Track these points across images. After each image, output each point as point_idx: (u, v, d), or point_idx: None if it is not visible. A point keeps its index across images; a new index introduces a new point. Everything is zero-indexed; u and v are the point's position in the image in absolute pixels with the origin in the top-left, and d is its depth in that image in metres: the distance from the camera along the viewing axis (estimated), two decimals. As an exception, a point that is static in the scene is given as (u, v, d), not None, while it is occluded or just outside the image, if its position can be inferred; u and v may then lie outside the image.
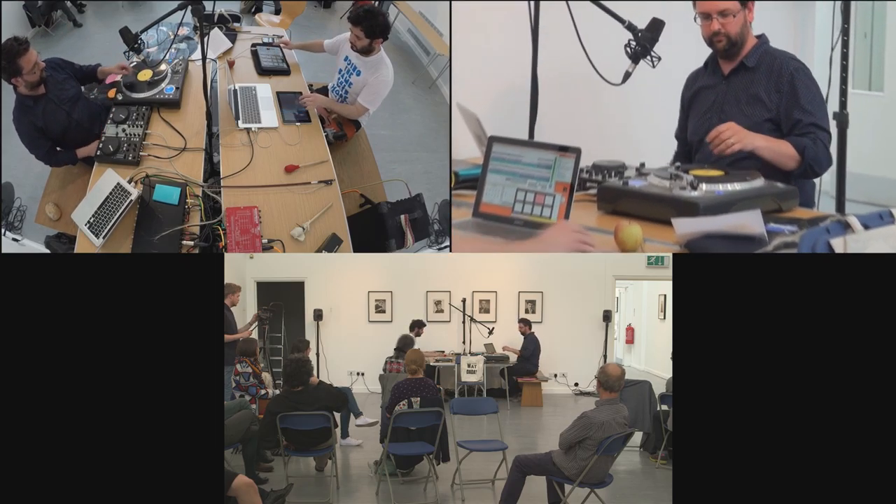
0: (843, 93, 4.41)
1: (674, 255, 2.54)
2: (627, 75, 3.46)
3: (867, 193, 5.42)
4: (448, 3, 3.73)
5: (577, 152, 2.87)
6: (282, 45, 4.40)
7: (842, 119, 4.38)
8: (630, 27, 3.42)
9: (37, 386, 2.49)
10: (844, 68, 4.40)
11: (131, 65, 3.93)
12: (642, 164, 3.25)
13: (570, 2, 3.47)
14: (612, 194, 3.02)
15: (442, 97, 4.44)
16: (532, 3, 3.52)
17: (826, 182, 4.69)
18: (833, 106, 4.35)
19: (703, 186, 2.82)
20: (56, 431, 2.48)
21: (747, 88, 3.37)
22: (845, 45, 4.40)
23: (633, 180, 3.03)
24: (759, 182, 2.94)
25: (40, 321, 2.51)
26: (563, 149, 2.90)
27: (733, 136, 3.10)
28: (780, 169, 3.20)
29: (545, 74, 3.70)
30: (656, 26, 3.41)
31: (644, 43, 3.40)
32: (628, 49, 3.43)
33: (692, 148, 3.58)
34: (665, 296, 10.72)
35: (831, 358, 2.47)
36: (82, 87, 3.80)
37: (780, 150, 3.20)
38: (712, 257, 2.51)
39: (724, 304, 2.51)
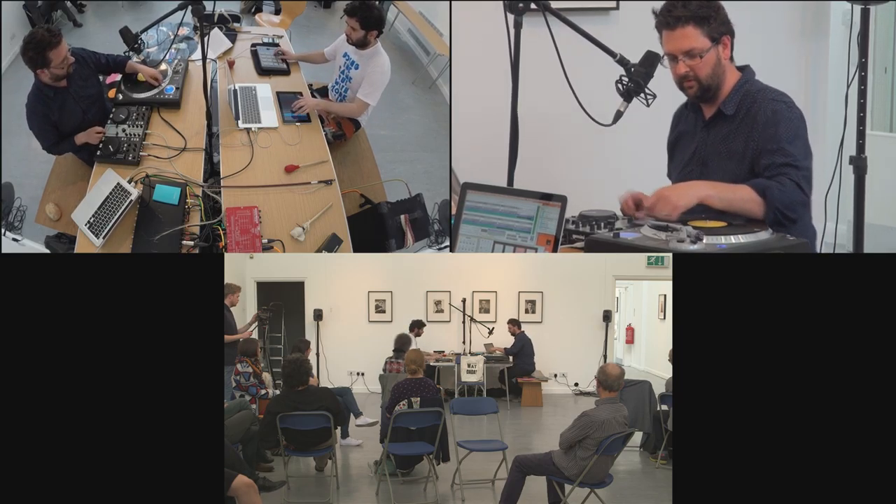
0: (861, 135, 4.05)
1: (674, 254, 2.54)
2: (619, 115, 3.05)
3: (889, 247, 4.88)
4: (448, 2, 3.72)
5: (562, 201, 2.63)
6: (282, 55, 4.40)
7: (859, 164, 4.02)
8: (622, 61, 3.03)
9: (37, 386, 2.49)
10: (862, 107, 4.06)
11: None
12: None
13: (553, 33, 3.09)
14: (601, 247, 2.64)
15: (442, 97, 4.44)
16: (511, 34, 3.15)
17: (842, 235, 4.36)
18: (850, 150, 4.07)
19: (705, 239, 2.50)
20: (56, 432, 2.48)
21: (726, 140, 2.94)
22: (863, 81, 4.06)
23: (625, 232, 2.68)
24: (765, 234, 2.60)
25: (40, 321, 2.51)
26: (546, 197, 2.65)
27: (664, 206, 2.69)
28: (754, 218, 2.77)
29: (526, 114, 3.27)
30: (651, 60, 2.99)
31: (637, 79, 2.99)
32: (620, 86, 3.02)
33: None
34: (665, 296, 10.72)
35: (832, 358, 2.47)
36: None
37: (737, 196, 2.75)
38: (712, 257, 2.51)
39: (724, 304, 2.51)
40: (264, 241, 3.28)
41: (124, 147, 3.54)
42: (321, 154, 3.74)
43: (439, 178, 3.73)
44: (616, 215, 2.96)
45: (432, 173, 3.92)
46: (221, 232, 3.26)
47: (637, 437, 5.86)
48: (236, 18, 4.76)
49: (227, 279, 5.80)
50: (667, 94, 3.13)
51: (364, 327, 9.17)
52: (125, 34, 3.81)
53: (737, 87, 2.94)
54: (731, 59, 2.97)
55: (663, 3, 2.95)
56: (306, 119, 3.94)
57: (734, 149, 2.92)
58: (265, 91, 4.09)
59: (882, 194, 4.76)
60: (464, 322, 8.85)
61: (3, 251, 3.41)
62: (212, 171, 3.65)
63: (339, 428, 5.24)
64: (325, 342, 9.05)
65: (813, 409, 2.46)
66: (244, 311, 8.18)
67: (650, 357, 11.84)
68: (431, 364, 8.16)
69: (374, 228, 3.72)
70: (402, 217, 3.73)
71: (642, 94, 3.03)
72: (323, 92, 4.31)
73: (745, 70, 2.98)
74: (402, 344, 7.25)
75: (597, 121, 3.10)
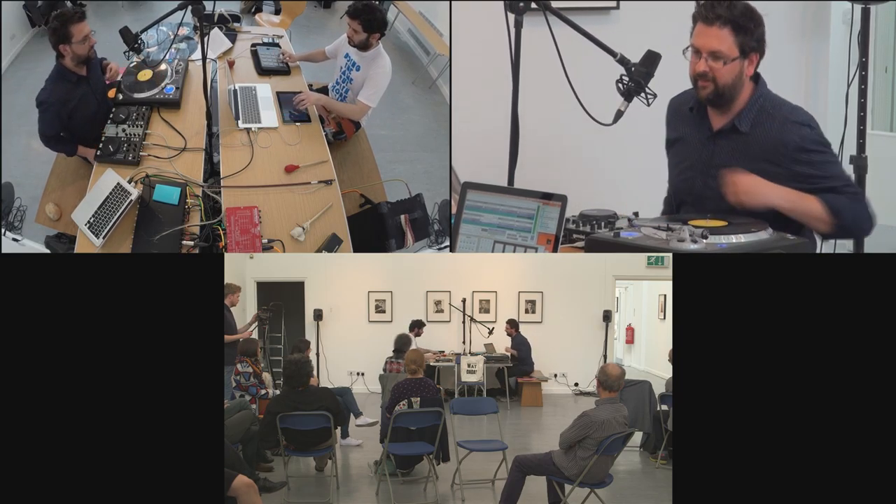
0: (862, 134, 4.06)
1: (674, 254, 2.54)
2: (619, 114, 3.03)
3: (889, 247, 4.89)
4: (448, 2, 3.72)
5: (562, 200, 2.66)
6: (286, 58, 4.40)
7: (860, 164, 4.02)
8: (622, 60, 3.02)
9: (37, 386, 2.49)
10: (863, 107, 4.06)
11: (131, 65, 3.92)
12: (635, 214, 2.87)
13: (554, 33, 3.09)
14: (601, 247, 2.65)
15: (442, 97, 4.44)
16: (512, 33, 3.15)
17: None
18: (850, 149, 4.06)
19: (706, 239, 2.52)
20: (56, 431, 2.48)
21: (736, 155, 2.89)
22: (863, 80, 4.06)
23: (626, 231, 2.67)
24: (765, 234, 2.62)
25: (40, 321, 2.51)
26: (546, 196, 2.68)
27: (748, 192, 2.73)
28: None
29: (527, 113, 3.26)
30: (651, 60, 2.98)
31: (638, 78, 2.97)
32: (620, 85, 3.00)
33: (678, 200, 3.12)
34: (665, 296, 10.72)
35: (832, 358, 2.47)
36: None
37: (807, 211, 2.78)
38: (712, 257, 2.51)
39: (724, 304, 2.51)
40: (264, 241, 3.27)
41: (124, 147, 3.54)
42: (321, 154, 3.74)
43: (439, 178, 3.73)
44: (616, 214, 2.96)
45: (432, 173, 3.92)
46: (221, 232, 3.26)
47: (637, 437, 5.86)
48: (236, 18, 4.76)
49: (227, 279, 5.80)
50: (667, 93, 3.13)
51: (364, 327, 9.17)
52: (125, 34, 3.80)
53: (751, 101, 2.88)
54: (752, 76, 2.90)
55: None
56: (306, 119, 3.94)
57: (754, 168, 2.82)
58: (265, 91, 4.09)
59: (882, 194, 4.67)
60: (464, 322, 8.85)
61: (3, 251, 3.41)
62: (212, 171, 3.64)
63: (339, 428, 5.24)
64: (325, 342, 9.05)
65: (813, 409, 2.46)
66: (244, 311, 8.18)
67: (650, 357, 11.84)
68: (431, 364, 8.16)
69: (374, 228, 3.72)
70: (402, 217, 3.73)
71: (643, 94, 3.01)
72: (323, 92, 4.31)
73: (758, 82, 2.92)
74: (402, 344, 7.25)
75: (597, 120, 3.09)
